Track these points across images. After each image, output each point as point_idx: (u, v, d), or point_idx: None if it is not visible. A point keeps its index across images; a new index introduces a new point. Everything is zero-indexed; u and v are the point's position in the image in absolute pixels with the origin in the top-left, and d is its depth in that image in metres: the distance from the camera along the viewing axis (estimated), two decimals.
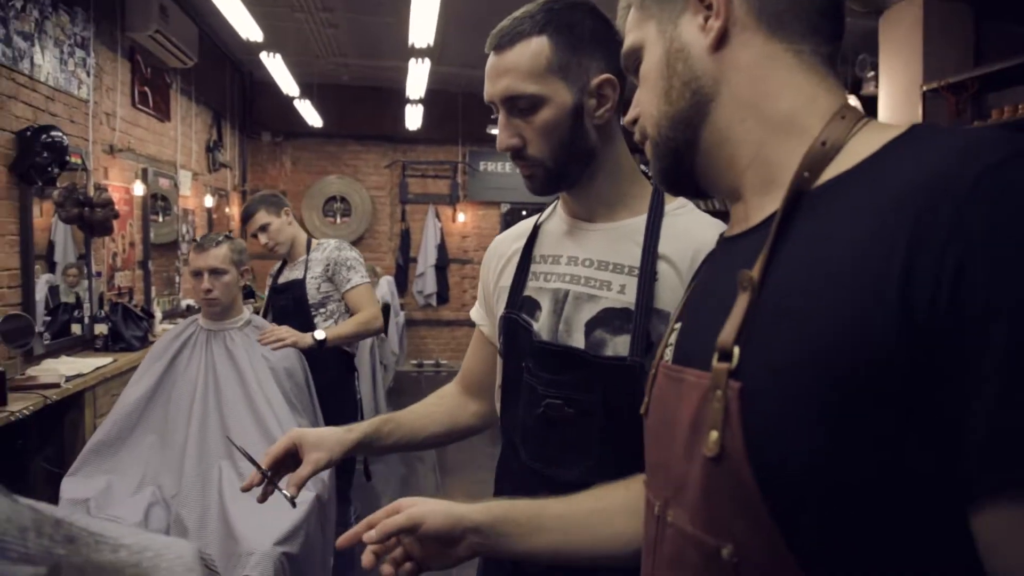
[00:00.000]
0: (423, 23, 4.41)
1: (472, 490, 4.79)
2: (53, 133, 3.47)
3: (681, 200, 1.17)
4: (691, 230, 1.10)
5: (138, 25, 4.61)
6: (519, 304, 1.18)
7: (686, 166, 0.72)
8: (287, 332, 2.46)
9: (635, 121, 0.77)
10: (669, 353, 0.74)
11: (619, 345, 1.06)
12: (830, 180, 0.60)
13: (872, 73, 5.29)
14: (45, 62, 3.67)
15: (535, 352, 1.12)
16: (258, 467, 1.14)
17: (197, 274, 2.33)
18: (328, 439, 1.17)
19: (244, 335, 2.36)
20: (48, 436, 3.21)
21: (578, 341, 1.09)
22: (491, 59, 1.09)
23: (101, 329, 3.96)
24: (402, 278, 8.21)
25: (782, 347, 0.56)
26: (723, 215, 1.13)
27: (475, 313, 1.36)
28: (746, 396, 0.56)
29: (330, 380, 2.64)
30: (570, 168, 1.11)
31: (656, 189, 1.16)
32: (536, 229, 1.24)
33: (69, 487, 2.05)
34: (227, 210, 7.18)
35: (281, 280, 2.92)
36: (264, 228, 2.85)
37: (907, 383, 0.49)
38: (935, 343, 0.48)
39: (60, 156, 3.51)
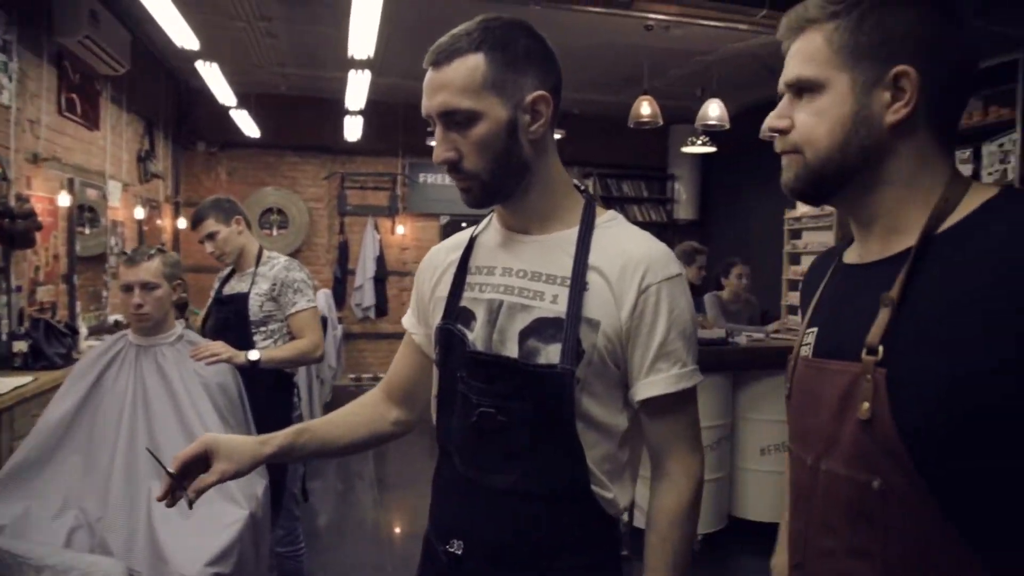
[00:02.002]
0: (363, 35, 4.38)
1: (412, 504, 4.74)
2: None
3: (611, 213, 1.21)
4: (621, 242, 1.15)
5: (66, 30, 4.46)
6: (455, 315, 1.20)
7: (821, 194, 0.94)
8: (222, 347, 2.40)
9: (779, 130, 0.94)
10: (807, 350, 0.98)
11: (551, 353, 1.09)
12: (948, 228, 0.84)
13: None
14: None
15: (468, 362, 1.15)
16: (164, 468, 1.14)
17: (127, 288, 2.26)
18: (240, 450, 1.18)
19: (176, 350, 2.29)
20: None
21: (512, 350, 1.12)
22: (429, 74, 1.11)
23: (20, 346, 3.79)
24: (340, 291, 8.10)
25: (920, 349, 0.80)
26: (649, 226, 1.19)
27: (407, 320, 1.38)
28: (890, 379, 0.81)
29: (266, 396, 2.59)
30: (505, 182, 1.13)
31: (589, 203, 1.19)
32: (472, 241, 1.27)
33: None
34: (159, 222, 6.99)
35: (226, 291, 2.83)
36: (212, 236, 2.76)
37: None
38: None
39: None
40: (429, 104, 1.11)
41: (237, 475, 1.17)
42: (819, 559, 0.93)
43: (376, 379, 8.31)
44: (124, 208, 5.88)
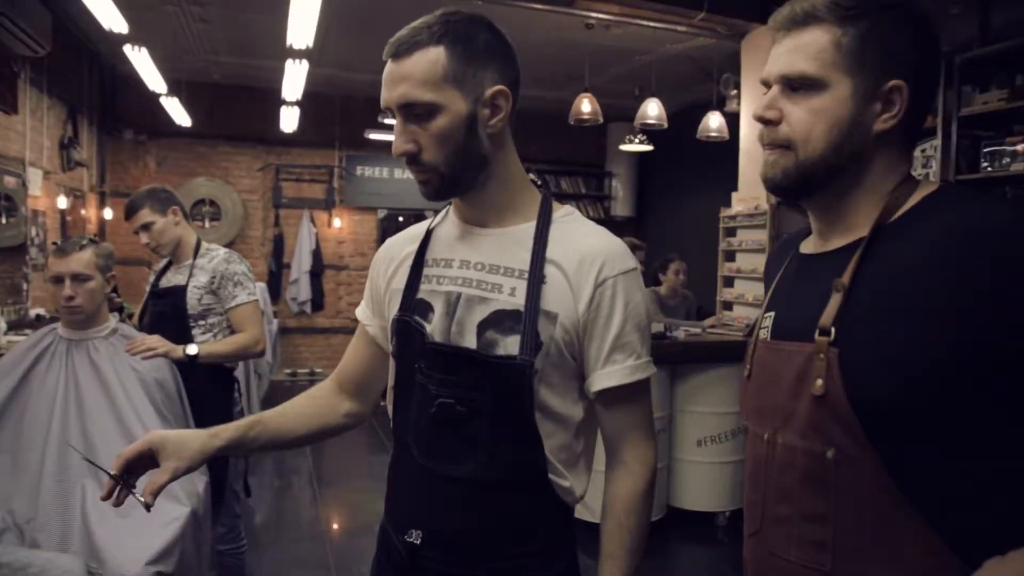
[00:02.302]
0: (302, 24, 4.30)
1: (351, 499, 4.69)
2: None
3: (568, 208, 1.23)
4: (578, 237, 1.17)
5: None
6: (412, 306, 1.20)
7: (807, 192, 0.98)
8: (158, 341, 2.32)
9: (768, 121, 0.96)
10: (765, 333, 1.04)
11: (510, 345, 1.11)
12: (895, 219, 0.92)
13: (735, 91, 5.64)
14: None
15: (427, 353, 1.15)
16: (104, 471, 1.11)
17: (57, 280, 2.16)
18: (189, 446, 1.16)
19: (110, 344, 2.21)
20: None
21: (470, 342, 1.13)
22: (388, 66, 1.11)
23: None
24: (275, 285, 7.94)
25: (868, 329, 0.88)
26: (604, 223, 1.21)
27: (361, 312, 1.36)
28: (842, 357, 0.88)
29: (206, 392, 2.51)
30: (464, 174, 1.14)
31: (545, 197, 1.21)
32: (429, 234, 1.27)
33: None
34: (83, 212, 6.71)
35: (163, 283, 2.73)
36: (147, 227, 2.65)
37: (966, 349, 0.81)
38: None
39: None
40: (389, 96, 1.10)
41: (189, 471, 1.14)
42: (775, 525, 0.99)
43: (312, 374, 8.18)
44: (46, 197, 5.63)
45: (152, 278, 2.82)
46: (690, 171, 7.67)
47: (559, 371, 1.14)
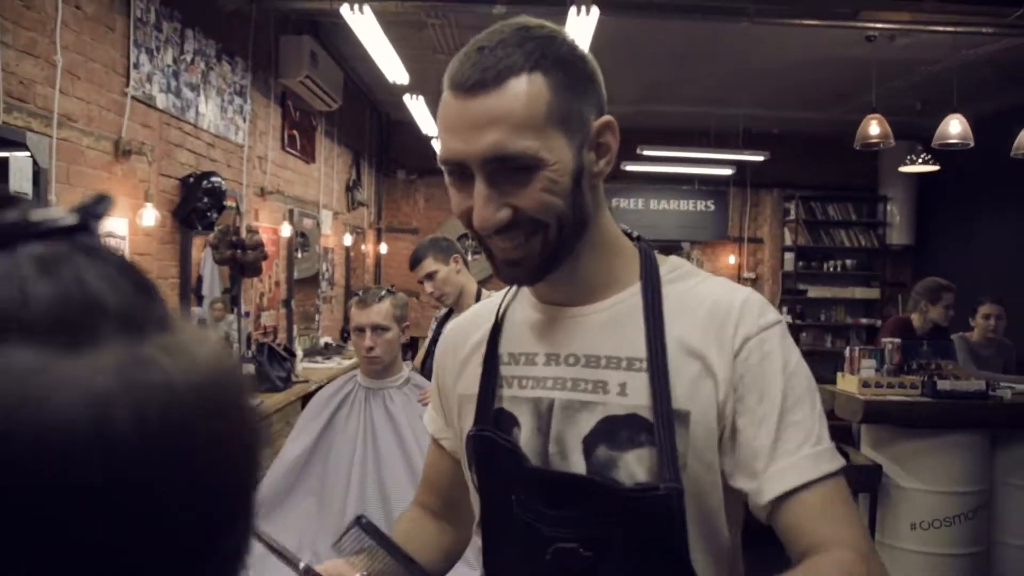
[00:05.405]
0: None
1: None
2: (213, 179, 3.58)
3: (675, 261, 0.92)
4: (698, 294, 0.87)
5: (290, 72, 4.76)
6: (490, 420, 0.91)
7: None
8: None
9: None
10: None
11: (632, 463, 0.82)
12: None
13: None
14: (208, 110, 3.81)
15: (528, 482, 0.87)
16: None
17: (359, 330, 2.27)
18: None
19: (403, 394, 2.27)
20: None
21: (577, 464, 0.85)
22: (463, 103, 0.84)
23: (249, 369, 4.02)
24: None
25: None
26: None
27: (429, 420, 1.08)
28: None
29: None
30: (567, 246, 0.86)
31: (644, 252, 0.91)
32: (500, 320, 0.96)
33: None
34: (363, 247, 7.33)
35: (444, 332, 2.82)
36: (431, 276, 2.73)
37: None
38: None
39: (218, 201, 3.62)
40: (468, 148, 0.79)
41: None
42: None
43: None
44: (334, 235, 6.21)
45: (433, 326, 2.89)
46: (987, 192, 6.68)
47: (704, 487, 0.84)
